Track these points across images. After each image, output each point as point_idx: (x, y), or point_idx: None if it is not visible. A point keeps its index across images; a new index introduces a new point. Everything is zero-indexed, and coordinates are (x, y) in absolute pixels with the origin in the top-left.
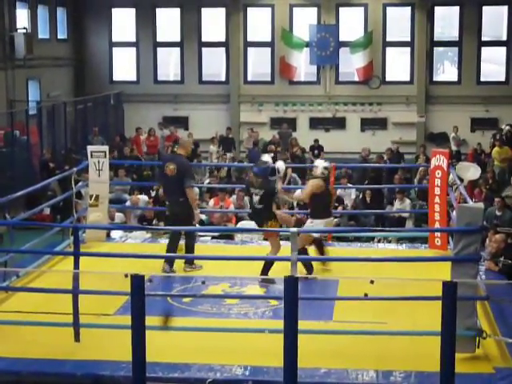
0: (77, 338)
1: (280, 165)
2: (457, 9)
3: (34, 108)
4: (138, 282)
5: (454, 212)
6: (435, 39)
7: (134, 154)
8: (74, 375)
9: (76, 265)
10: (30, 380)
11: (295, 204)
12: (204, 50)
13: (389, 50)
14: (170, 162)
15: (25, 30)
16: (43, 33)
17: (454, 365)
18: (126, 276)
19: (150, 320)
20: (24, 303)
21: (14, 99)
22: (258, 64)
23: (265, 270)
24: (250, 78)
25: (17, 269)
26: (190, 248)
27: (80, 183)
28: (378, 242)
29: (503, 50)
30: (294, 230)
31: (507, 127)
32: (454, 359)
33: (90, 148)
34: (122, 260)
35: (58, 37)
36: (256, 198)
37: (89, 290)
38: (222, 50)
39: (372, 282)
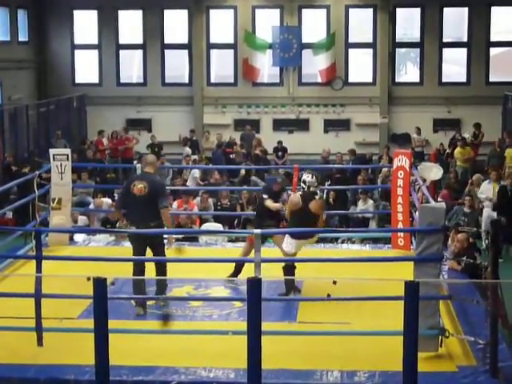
0: (40, 342)
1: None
2: (418, 10)
3: None
4: (100, 285)
5: (417, 212)
6: (397, 40)
7: (96, 156)
8: (38, 380)
9: (38, 268)
10: None
11: None
12: (167, 51)
13: (351, 51)
14: (139, 180)
15: None
16: (4, 35)
17: (417, 364)
18: (89, 279)
19: (113, 323)
20: None
21: None
22: (221, 66)
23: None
24: (213, 80)
25: None
26: (161, 287)
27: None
28: (342, 242)
29: (464, 51)
30: (258, 231)
31: (471, 130)
32: (416, 358)
33: (52, 151)
34: (85, 263)
35: (19, 39)
36: None
37: (51, 294)
38: (185, 51)
39: (335, 282)
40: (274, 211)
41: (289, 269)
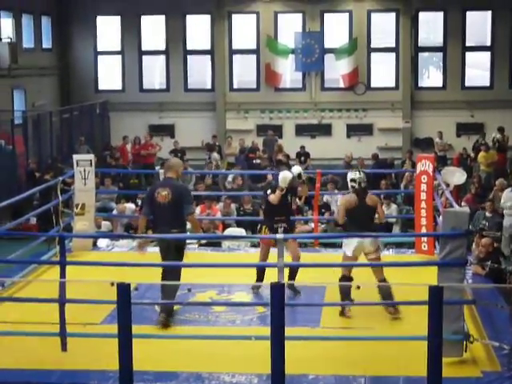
0: (64, 347)
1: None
2: (441, 14)
3: (19, 117)
4: (123, 290)
5: (440, 217)
6: (420, 45)
7: (119, 162)
8: None
9: (62, 274)
10: None
11: None
12: (189, 57)
13: (374, 55)
14: (162, 187)
15: (9, 40)
16: (28, 42)
17: (442, 369)
18: (112, 284)
19: (137, 328)
20: (10, 313)
21: None
22: (244, 71)
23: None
24: (235, 86)
25: (2, 278)
26: (169, 294)
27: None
28: None
29: (487, 54)
30: (281, 236)
31: (497, 134)
32: (441, 363)
33: (75, 157)
34: (109, 269)
35: (43, 46)
36: None
37: (75, 299)
38: (208, 57)
39: (358, 287)
40: (280, 206)
41: (343, 280)
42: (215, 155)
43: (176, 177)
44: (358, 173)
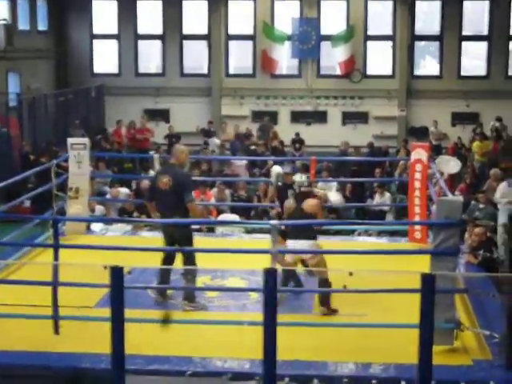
0: (56, 330)
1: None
2: (438, 3)
3: (14, 100)
4: (117, 273)
5: (434, 205)
6: (416, 33)
7: (114, 146)
8: (54, 367)
9: (56, 257)
10: (10, 373)
11: None
12: (186, 42)
13: (370, 43)
14: (163, 174)
15: (5, 22)
16: (23, 24)
17: (432, 357)
18: (105, 268)
19: (130, 312)
20: (3, 295)
21: None
22: (240, 57)
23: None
24: (231, 71)
25: None
26: (190, 280)
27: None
28: (359, 235)
29: (484, 44)
30: (275, 222)
31: (496, 123)
32: (432, 351)
33: (70, 140)
34: (102, 252)
35: (39, 28)
36: None
37: (68, 282)
38: (204, 42)
39: (351, 273)
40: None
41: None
42: (215, 140)
43: (179, 163)
44: (300, 176)
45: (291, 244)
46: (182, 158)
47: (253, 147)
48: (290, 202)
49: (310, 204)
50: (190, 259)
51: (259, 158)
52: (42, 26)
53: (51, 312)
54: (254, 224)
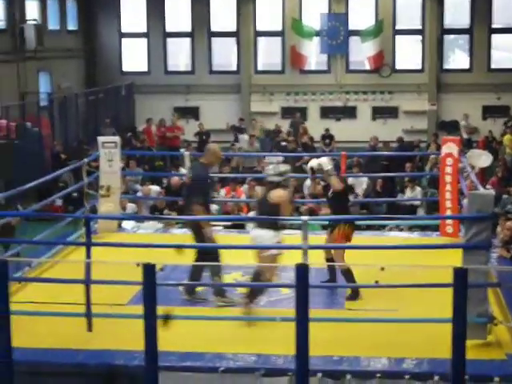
0: (89, 328)
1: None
2: None
3: (45, 100)
4: (149, 270)
5: (465, 199)
6: (446, 27)
7: (145, 144)
8: (88, 365)
9: (88, 255)
10: (44, 370)
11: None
12: (214, 39)
13: (399, 38)
14: (189, 171)
15: (35, 22)
16: (53, 24)
17: (465, 351)
18: (138, 265)
19: (162, 309)
20: (37, 293)
21: (25, 91)
22: (269, 53)
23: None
24: (260, 68)
25: (29, 259)
26: (214, 273)
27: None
28: (390, 230)
29: None
30: (305, 217)
31: None
32: (465, 346)
33: (101, 139)
34: (134, 250)
35: (68, 28)
36: None
37: (101, 280)
38: (233, 39)
39: (383, 268)
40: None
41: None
42: (245, 137)
43: (207, 163)
44: (278, 167)
45: (253, 233)
46: (211, 158)
47: (283, 143)
48: (261, 189)
49: (276, 195)
50: (202, 257)
51: (289, 154)
52: (72, 25)
53: (84, 310)
54: (284, 220)
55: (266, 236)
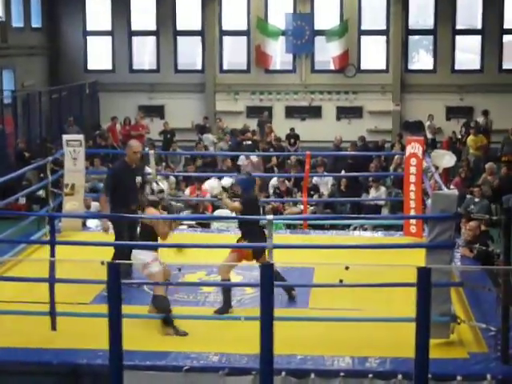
0: (54, 326)
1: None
2: None
3: (8, 97)
4: (114, 269)
5: (429, 199)
6: (410, 27)
7: (109, 143)
8: (52, 364)
9: (52, 253)
10: (7, 369)
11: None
12: (179, 38)
13: (364, 38)
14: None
15: None
16: (17, 21)
17: (429, 350)
18: (103, 263)
19: (126, 308)
20: (0, 292)
21: None
22: (234, 53)
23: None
24: (225, 67)
25: None
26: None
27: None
28: (354, 229)
29: (478, 38)
30: (271, 217)
31: (481, 118)
32: (428, 345)
33: (65, 137)
34: (99, 249)
35: (32, 25)
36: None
37: (65, 279)
38: (198, 38)
39: (347, 268)
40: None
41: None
42: (209, 136)
43: (128, 160)
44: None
45: (133, 253)
46: (129, 155)
47: (248, 142)
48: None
49: (149, 212)
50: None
51: (249, 153)
52: (36, 22)
53: (48, 308)
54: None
55: (141, 256)
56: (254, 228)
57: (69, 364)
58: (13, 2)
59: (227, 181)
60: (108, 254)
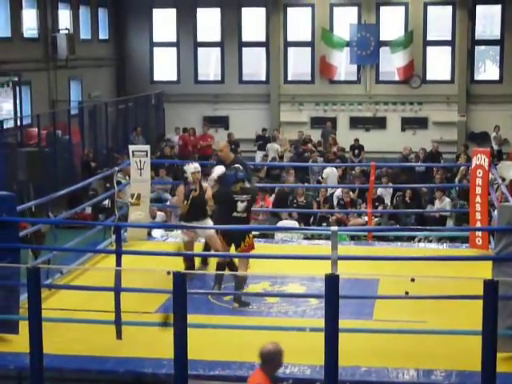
0: (119, 335)
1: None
2: (498, 7)
3: (75, 108)
4: (179, 279)
5: (495, 211)
6: (476, 38)
7: (174, 153)
8: (116, 372)
9: (118, 263)
10: (73, 376)
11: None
12: (244, 49)
13: (429, 49)
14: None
15: (67, 31)
16: (85, 33)
17: (496, 364)
18: (169, 273)
19: (192, 318)
20: (67, 301)
21: (56, 99)
22: (299, 63)
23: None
24: (290, 78)
25: (60, 266)
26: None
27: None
28: (419, 241)
29: None
30: (335, 228)
31: None
32: (495, 359)
33: (131, 147)
34: (163, 258)
35: (100, 37)
36: (242, 206)
37: (131, 288)
38: (263, 49)
39: (413, 280)
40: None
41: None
42: (275, 145)
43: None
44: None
45: None
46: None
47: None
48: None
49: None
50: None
51: (313, 164)
52: (103, 34)
53: (114, 317)
54: (313, 230)
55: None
56: (226, 217)
57: (134, 373)
58: (81, 14)
59: (220, 170)
60: (172, 263)
